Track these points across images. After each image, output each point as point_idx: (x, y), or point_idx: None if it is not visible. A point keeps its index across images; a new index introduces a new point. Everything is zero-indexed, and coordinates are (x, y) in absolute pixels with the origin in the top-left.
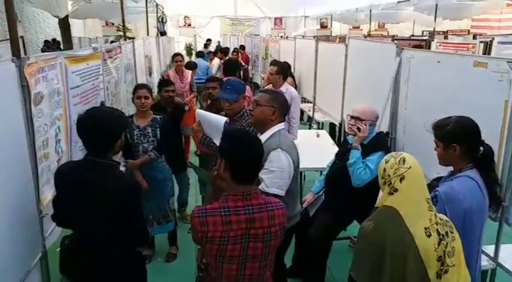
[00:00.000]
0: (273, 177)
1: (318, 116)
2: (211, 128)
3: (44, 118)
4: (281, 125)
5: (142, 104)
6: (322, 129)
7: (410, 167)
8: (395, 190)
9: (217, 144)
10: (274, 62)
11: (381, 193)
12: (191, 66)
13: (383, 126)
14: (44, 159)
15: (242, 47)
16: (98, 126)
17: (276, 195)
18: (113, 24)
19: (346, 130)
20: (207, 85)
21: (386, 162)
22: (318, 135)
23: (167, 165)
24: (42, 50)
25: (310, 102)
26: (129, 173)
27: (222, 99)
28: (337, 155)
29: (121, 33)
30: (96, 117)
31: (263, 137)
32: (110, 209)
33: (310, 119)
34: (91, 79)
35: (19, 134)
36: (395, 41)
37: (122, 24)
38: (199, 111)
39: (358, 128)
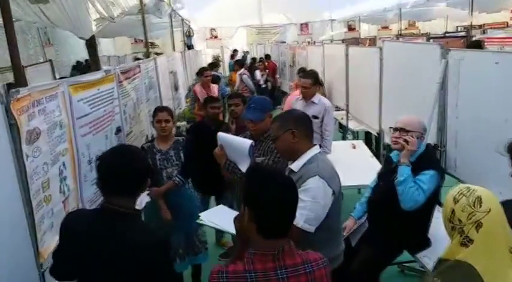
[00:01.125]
0: (303, 207)
1: (352, 125)
2: (234, 152)
3: (43, 156)
4: (316, 149)
5: (163, 128)
6: (358, 138)
7: (489, 210)
8: (470, 241)
9: (243, 170)
10: (306, 74)
11: (448, 242)
12: (215, 79)
13: (429, 137)
14: (45, 203)
15: (267, 57)
16: (130, 162)
17: (304, 231)
18: (141, 40)
19: (390, 144)
20: (229, 102)
21: (456, 201)
22: (354, 147)
23: (194, 191)
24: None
25: (343, 110)
26: (153, 201)
27: (246, 119)
28: (380, 176)
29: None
30: (125, 153)
31: (297, 164)
32: (135, 271)
33: (344, 129)
34: (103, 105)
35: (9, 179)
36: (431, 40)
37: (147, 41)
38: (221, 134)
39: (406, 141)
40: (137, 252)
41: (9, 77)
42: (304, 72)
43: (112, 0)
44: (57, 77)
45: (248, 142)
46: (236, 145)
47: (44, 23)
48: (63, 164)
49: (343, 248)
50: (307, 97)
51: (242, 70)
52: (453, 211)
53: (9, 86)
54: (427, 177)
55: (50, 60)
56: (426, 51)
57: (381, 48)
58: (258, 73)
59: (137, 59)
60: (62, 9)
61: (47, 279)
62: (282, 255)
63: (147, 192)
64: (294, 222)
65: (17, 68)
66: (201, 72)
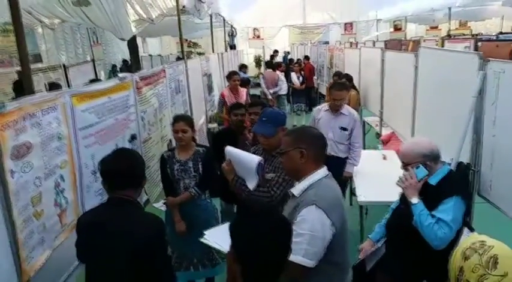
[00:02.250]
0: (301, 242)
1: (386, 133)
2: (242, 168)
3: (35, 171)
4: (322, 172)
5: (180, 139)
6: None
7: (505, 274)
8: None
9: (250, 188)
10: (340, 86)
11: None
12: (244, 82)
13: (463, 156)
14: (35, 217)
15: (306, 58)
16: (132, 159)
17: (304, 267)
18: (186, 40)
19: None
20: (249, 110)
21: (466, 258)
22: (384, 158)
23: (212, 203)
24: (121, 69)
25: (377, 117)
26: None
27: (257, 133)
28: (402, 197)
29: (192, 49)
30: (126, 153)
31: (298, 188)
32: (130, 251)
33: (378, 136)
34: (114, 113)
35: None
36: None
37: (182, 42)
38: (229, 149)
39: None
40: (140, 228)
41: (52, 77)
42: (338, 84)
43: (151, 2)
44: (102, 76)
45: (256, 159)
46: (244, 161)
47: (86, 24)
48: (61, 177)
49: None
50: (338, 109)
51: (277, 72)
52: (461, 269)
53: (51, 86)
54: (450, 206)
55: (93, 60)
56: (463, 60)
57: (416, 55)
58: (293, 75)
59: (179, 58)
60: (103, 11)
61: None
62: None
63: (163, 201)
64: (293, 258)
65: (26, 76)
66: (229, 75)
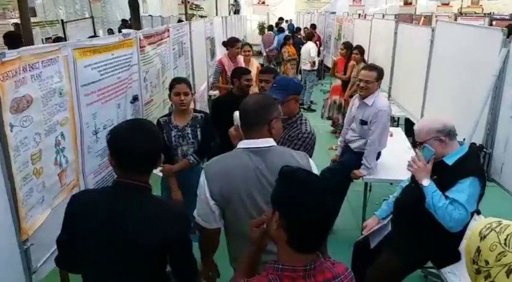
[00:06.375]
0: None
1: (393, 110)
2: None
3: (34, 126)
4: (249, 142)
5: (182, 102)
6: (397, 126)
7: None
8: None
9: None
10: (371, 67)
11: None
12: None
13: (476, 137)
14: (35, 176)
15: (313, 26)
16: (154, 138)
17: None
18: (188, 2)
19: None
20: (261, 77)
21: (483, 237)
22: (391, 135)
23: None
24: (119, 29)
25: (385, 92)
26: (165, 179)
27: None
28: (413, 176)
29: (194, 11)
30: (141, 131)
31: None
32: (152, 248)
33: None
34: (117, 71)
35: None
36: (493, 22)
37: (194, 3)
38: (237, 114)
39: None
40: (155, 224)
41: (50, 32)
42: (369, 65)
43: None
44: (101, 34)
45: None
46: None
47: None
48: (62, 134)
49: None
50: (363, 95)
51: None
52: (479, 250)
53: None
54: (465, 187)
55: (92, 17)
56: (485, 36)
57: (433, 29)
58: (313, 47)
59: (180, 21)
60: None
61: (32, 254)
62: (313, 271)
63: (159, 168)
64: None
65: (26, 28)
66: (233, 43)
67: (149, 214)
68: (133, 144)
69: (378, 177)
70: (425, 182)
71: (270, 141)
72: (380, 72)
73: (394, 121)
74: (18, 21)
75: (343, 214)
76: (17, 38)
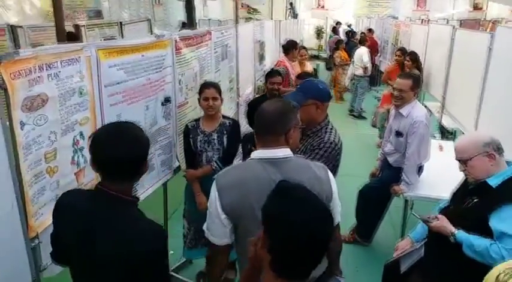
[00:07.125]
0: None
1: (446, 121)
2: None
3: (50, 125)
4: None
5: (211, 107)
6: (451, 139)
7: None
8: None
9: None
10: (406, 75)
11: None
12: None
13: None
14: (48, 174)
15: (370, 31)
16: (137, 143)
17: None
18: (248, 6)
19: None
20: (270, 80)
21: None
22: (441, 149)
23: None
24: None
25: (438, 103)
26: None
27: None
28: (453, 196)
29: (251, 15)
30: (129, 133)
31: None
32: (122, 266)
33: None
34: (147, 72)
35: None
36: None
37: (252, 7)
38: None
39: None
40: (128, 241)
41: (107, 33)
42: (404, 73)
43: None
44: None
45: None
46: None
47: None
48: (81, 134)
49: None
50: (397, 105)
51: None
52: (497, 278)
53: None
54: (510, 216)
55: (149, 19)
56: None
57: (492, 35)
58: (365, 53)
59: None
60: None
61: (42, 253)
62: None
63: (183, 173)
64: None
65: (60, 31)
66: (292, 47)
67: (123, 230)
68: (115, 150)
69: (419, 193)
70: (452, 230)
71: (286, 151)
72: (416, 81)
73: (450, 134)
74: (80, 22)
75: (383, 230)
76: (73, 38)
